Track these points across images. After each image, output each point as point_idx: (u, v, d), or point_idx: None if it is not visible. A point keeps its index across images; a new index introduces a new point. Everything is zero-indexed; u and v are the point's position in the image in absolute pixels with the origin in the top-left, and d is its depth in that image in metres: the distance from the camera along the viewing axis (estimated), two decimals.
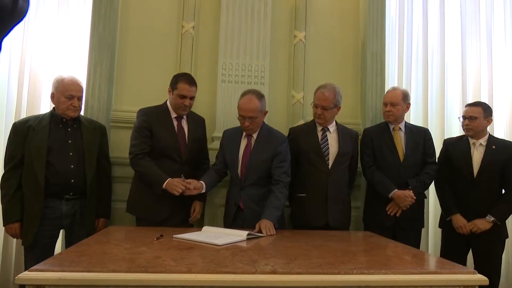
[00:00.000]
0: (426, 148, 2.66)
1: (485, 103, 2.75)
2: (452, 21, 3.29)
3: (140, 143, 2.33)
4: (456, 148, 2.68)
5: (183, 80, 2.36)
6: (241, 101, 2.37)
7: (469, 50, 3.27)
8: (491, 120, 2.67)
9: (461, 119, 2.70)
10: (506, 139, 2.89)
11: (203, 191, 2.33)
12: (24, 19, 0.78)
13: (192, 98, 2.40)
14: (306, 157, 2.53)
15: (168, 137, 2.38)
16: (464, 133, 2.72)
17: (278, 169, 2.37)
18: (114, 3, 2.81)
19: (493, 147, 2.59)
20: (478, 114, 2.61)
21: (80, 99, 2.37)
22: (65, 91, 2.30)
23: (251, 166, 2.38)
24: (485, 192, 2.55)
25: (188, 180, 2.23)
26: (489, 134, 2.68)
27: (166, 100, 2.46)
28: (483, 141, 2.63)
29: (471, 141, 2.65)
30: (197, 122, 2.54)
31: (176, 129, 2.42)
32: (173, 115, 2.42)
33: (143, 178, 2.34)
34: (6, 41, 2.75)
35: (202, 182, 2.32)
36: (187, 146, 2.42)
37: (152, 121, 2.35)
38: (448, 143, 2.75)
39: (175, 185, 2.20)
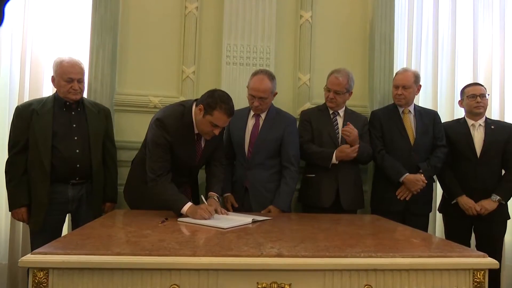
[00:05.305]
0: (436, 131, 2.63)
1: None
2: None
3: (163, 161, 2.05)
4: (455, 130, 2.66)
5: (223, 110, 1.99)
6: (253, 81, 2.34)
7: (481, 30, 3.17)
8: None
9: (468, 98, 2.63)
10: None
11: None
12: None
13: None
14: (318, 138, 2.53)
15: (185, 156, 2.16)
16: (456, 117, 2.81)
17: (288, 152, 2.37)
18: None
19: (492, 127, 2.62)
20: (485, 92, 2.64)
21: (80, 81, 2.29)
22: (64, 75, 2.24)
23: (259, 145, 2.37)
24: (488, 172, 2.56)
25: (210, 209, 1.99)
26: (485, 115, 2.70)
27: (192, 106, 2.11)
28: (481, 122, 2.64)
29: (470, 122, 2.65)
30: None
31: (195, 147, 2.19)
32: (196, 131, 2.13)
33: (159, 200, 2.06)
34: (7, 24, 2.68)
35: (216, 200, 2.16)
36: (199, 161, 2.25)
37: (173, 139, 2.06)
38: (446, 126, 2.71)
39: (200, 214, 1.90)
